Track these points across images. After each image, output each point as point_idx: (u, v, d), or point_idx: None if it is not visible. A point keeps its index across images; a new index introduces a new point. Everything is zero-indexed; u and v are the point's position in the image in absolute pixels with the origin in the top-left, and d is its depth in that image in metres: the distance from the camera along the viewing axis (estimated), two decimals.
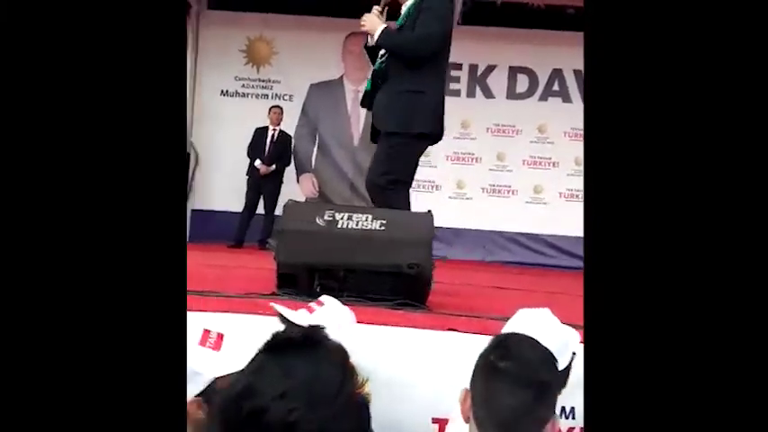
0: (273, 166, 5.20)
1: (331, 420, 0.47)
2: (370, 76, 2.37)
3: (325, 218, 1.89)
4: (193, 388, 1.12)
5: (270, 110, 5.37)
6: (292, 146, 5.50)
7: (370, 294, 1.73)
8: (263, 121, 5.33)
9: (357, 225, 1.87)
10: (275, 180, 5.26)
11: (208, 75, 5.87)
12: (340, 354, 0.54)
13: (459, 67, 5.81)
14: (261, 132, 5.29)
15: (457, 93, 5.87)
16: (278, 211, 5.20)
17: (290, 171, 5.57)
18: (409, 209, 2.24)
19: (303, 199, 5.96)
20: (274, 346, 0.54)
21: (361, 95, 6.22)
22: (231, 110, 5.81)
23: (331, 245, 1.84)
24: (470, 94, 5.89)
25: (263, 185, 5.21)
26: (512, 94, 5.86)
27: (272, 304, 1.30)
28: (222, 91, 5.87)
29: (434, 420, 1.40)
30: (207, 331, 1.20)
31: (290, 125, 5.61)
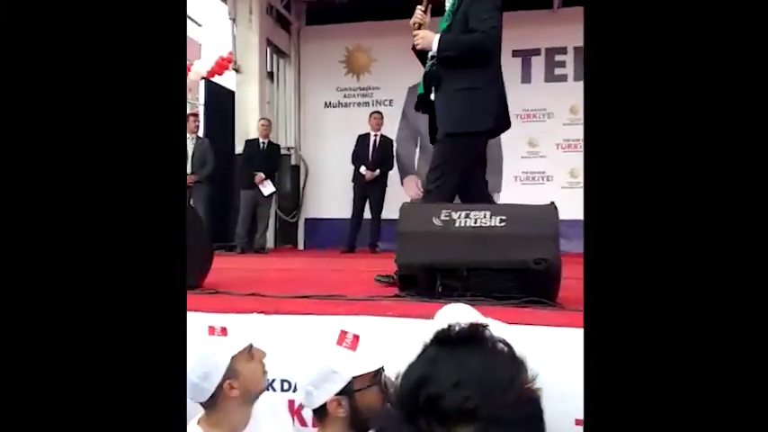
0: (377, 171, 5.30)
1: (505, 410, 0.49)
2: (421, 80, 2.29)
3: (442, 217, 1.87)
4: (332, 387, 1.15)
5: (370, 116, 5.49)
6: (394, 149, 5.56)
7: (495, 293, 1.68)
8: (366, 128, 5.45)
9: (476, 223, 1.83)
10: (380, 185, 5.35)
11: (311, 89, 6.16)
12: (507, 349, 0.55)
13: (563, 50, 5.52)
14: (363, 139, 5.41)
15: (563, 78, 5.57)
16: (384, 214, 5.31)
17: (393, 174, 5.64)
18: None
19: (408, 201, 6.02)
20: (444, 340, 0.55)
21: None
22: (335, 120, 6.03)
23: (450, 244, 1.82)
24: (578, 77, 5.55)
25: (368, 191, 5.33)
26: None
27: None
28: (326, 103, 6.12)
29: (578, 422, 1.32)
30: (344, 332, 1.23)
31: (391, 129, 5.69)
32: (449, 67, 2.15)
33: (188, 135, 5.38)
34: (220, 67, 7.11)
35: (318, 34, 6.09)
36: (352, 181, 5.39)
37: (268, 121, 5.36)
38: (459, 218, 1.85)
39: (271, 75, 6.05)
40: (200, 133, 5.53)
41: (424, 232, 1.86)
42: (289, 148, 6.13)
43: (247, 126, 5.40)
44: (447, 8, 2.22)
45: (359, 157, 5.36)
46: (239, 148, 5.32)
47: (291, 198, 6.07)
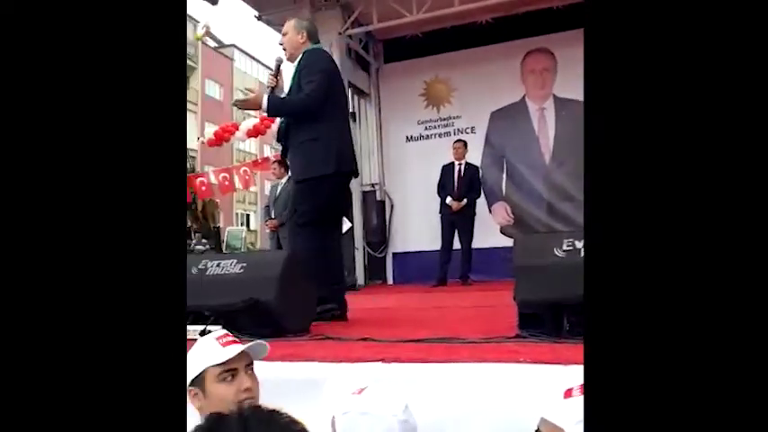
0: (464, 201, 5.16)
1: None
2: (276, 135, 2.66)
3: (565, 247, 1.71)
4: None
5: (453, 145, 5.40)
6: (480, 176, 5.41)
7: None
8: (449, 158, 5.37)
9: None
10: (468, 214, 5.20)
11: (393, 124, 6.22)
12: None
13: None
14: (447, 169, 5.32)
15: None
16: (474, 243, 5.13)
17: (482, 202, 5.48)
18: (314, 247, 2.39)
19: (497, 228, 5.80)
20: None
21: (546, 113, 5.96)
22: (417, 153, 6.02)
23: (576, 276, 1.64)
24: None
25: (456, 221, 5.20)
26: None
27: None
28: (407, 137, 6.14)
29: None
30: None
31: (475, 157, 5.56)
32: (293, 124, 2.48)
33: (276, 180, 5.59)
34: None
35: (396, 71, 6.18)
36: (440, 212, 5.29)
37: None
38: (584, 246, 1.68)
39: (353, 115, 6.18)
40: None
41: (544, 265, 1.71)
42: (373, 185, 6.18)
43: None
44: (291, 75, 2.55)
45: (444, 187, 5.26)
46: None
47: (378, 233, 6.07)
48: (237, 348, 1.08)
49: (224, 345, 1.10)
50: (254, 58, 27.25)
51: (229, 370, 1.07)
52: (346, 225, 5.30)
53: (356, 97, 6.23)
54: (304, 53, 2.49)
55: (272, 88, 2.51)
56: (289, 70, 2.65)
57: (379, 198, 6.17)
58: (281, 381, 1.48)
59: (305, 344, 1.83)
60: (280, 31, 5.85)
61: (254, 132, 6.29)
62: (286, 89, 2.58)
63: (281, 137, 2.57)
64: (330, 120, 2.45)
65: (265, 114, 2.60)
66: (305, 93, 2.39)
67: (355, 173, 2.64)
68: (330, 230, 2.57)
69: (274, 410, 0.60)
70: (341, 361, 1.52)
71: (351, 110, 6.02)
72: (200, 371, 1.06)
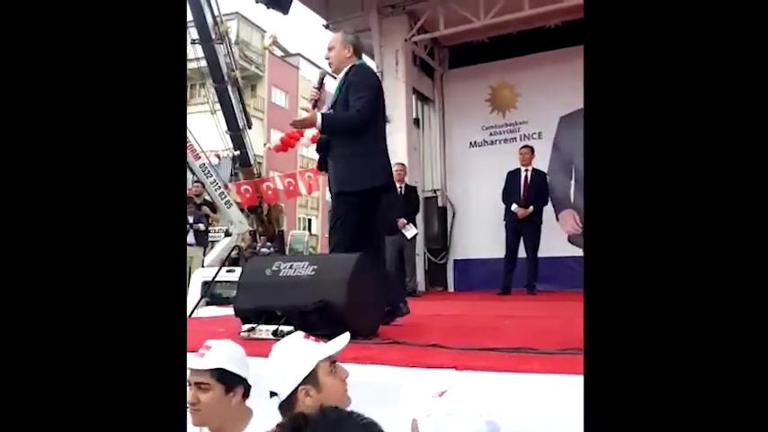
0: (531, 208, 5.03)
1: None
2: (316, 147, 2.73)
3: None
4: None
5: (519, 151, 5.28)
6: (548, 183, 5.26)
7: None
8: (514, 164, 5.25)
9: None
10: (535, 222, 5.05)
11: (456, 130, 6.18)
12: None
13: None
14: (513, 175, 5.20)
15: None
16: (541, 252, 4.98)
17: (548, 209, 5.32)
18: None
19: (565, 237, 5.60)
20: None
21: None
22: (481, 159, 5.94)
23: None
24: None
25: (522, 229, 5.06)
26: None
27: None
28: (471, 143, 6.08)
29: None
30: None
31: (542, 163, 5.41)
32: (335, 137, 2.53)
33: None
34: None
35: (461, 76, 6.14)
36: (504, 219, 5.18)
37: (402, 165, 5.37)
38: None
39: (417, 121, 6.20)
40: None
41: None
42: (435, 191, 6.16)
43: None
44: (335, 87, 2.59)
45: (510, 194, 5.14)
46: None
47: (439, 240, 6.03)
48: (344, 339, 1.14)
49: (316, 341, 1.15)
50: (318, 66, 28.06)
51: (333, 363, 1.13)
52: (412, 231, 5.32)
53: (420, 103, 6.25)
54: (351, 67, 2.56)
55: (315, 101, 2.58)
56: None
57: (440, 204, 6.14)
58: (353, 383, 1.50)
59: (374, 347, 1.85)
60: None
61: None
62: (328, 102, 2.65)
63: (321, 149, 2.63)
64: (375, 134, 2.52)
65: (320, 131, 2.61)
66: (356, 109, 2.44)
67: (389, 184, 2.74)
68: (379, 240, 2.62)
69: (353, 411, 0.61)
70: (412, 366, 1.52)
71: (414, 116, 6.07)
72: (314, 365, 1.11)
